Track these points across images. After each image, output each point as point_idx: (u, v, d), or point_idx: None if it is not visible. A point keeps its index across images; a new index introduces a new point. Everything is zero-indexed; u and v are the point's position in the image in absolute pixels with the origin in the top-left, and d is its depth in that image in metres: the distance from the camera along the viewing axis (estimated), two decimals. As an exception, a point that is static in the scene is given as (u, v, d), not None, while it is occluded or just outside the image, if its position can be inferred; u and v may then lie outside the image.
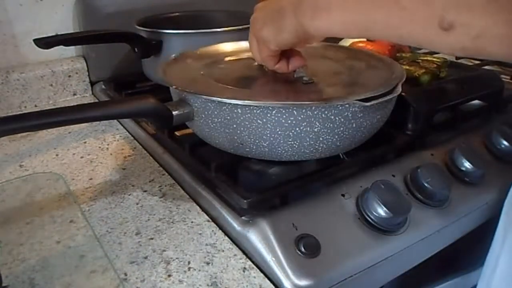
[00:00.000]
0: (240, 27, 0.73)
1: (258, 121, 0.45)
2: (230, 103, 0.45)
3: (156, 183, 0.59)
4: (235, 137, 0.48)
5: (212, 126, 0.48)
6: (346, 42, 0.79)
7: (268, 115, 0.45)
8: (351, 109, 0.45)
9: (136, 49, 0.77)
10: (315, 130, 0.45)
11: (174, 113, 0.48)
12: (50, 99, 0.88)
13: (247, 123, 0.46)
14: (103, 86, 0.89)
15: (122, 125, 0.76)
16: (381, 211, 0.47)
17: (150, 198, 0.56)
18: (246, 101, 0.44)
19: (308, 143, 0.47)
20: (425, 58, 0.73)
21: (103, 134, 0.74)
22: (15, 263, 0.45)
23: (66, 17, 0.89)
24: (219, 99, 0.45)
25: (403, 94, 0.58)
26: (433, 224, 0.53)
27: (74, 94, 0.90)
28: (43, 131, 0.75)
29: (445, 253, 0.55)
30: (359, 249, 0.47)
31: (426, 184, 0.52)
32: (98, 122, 0.77)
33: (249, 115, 0.45)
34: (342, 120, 0.46)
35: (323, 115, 0.45)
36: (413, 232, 0.50)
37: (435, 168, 0.55)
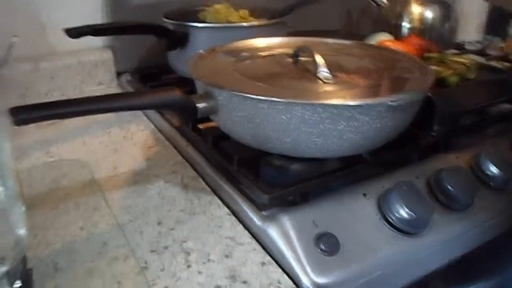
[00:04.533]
0: (267, 22, 0.73)
1: (282, 117, 0.45)
2: (255, 98, 0.45)
3: (178, 174, 0.60)
4: (259, 132, 0.48)
5: (236, 120, 0.49)
6: (373, 40, 0.78)
7: (293, 111, 0.45)
8: (376, 109, 0.45)
9: (162, 41, 0.78)
10: (339, 128, 0.45)
11: (199, 105, 0.48)
12: (76, 88, 0.89)
13: (270, 118, 0.46)
14: (128, 77, 0.90)
15: (146, 116, 0.77)
16: (403, 212, 0.47)
17: (172, 189, 0.56)
18: (270, 97, 0.44)
19: (331, 140, 0.46)
20: (454, 59, 0.72)
21: (128, 125, 0.75)
22: (40, 247, 0.46)
23: (95, 8, 0.90)
24: (243, 93, 0.45)
25: (429, 94, 0.57)
26: (455, 228, 0.52)
27: (100, 84, 0.92)
28: (69, 119, 0.76)
29: (467, 258, 0.54)
30: (379, 249, 0.46)
31: (449, 187, 0.52)
32: (123, 113, 0.78)
33: (273, 110, 0.45)
34: (367, 119, 0.45)
35: (348, 114, 0.44)
36: (435, 235, 0.49)
37: (460, 171, 0.54)
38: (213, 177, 0.56)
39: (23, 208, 0.39)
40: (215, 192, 0.55)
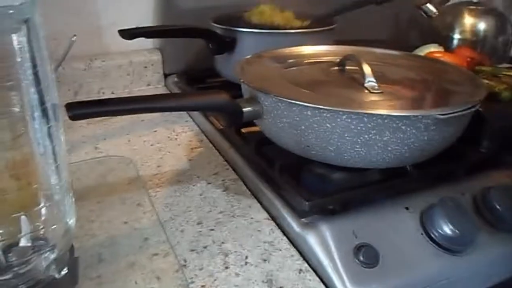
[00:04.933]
0: (314, 29, 0.73)
1: (327, 124, 0.45)
2: (300, 105, 0.45)
3: (220, 176, 0.61)
4: (302, 139, 0.48)
5: (280, 126, 0.49)
6: (422, 51, 0.77)
7: (338, 119, 0.44)
8: (423, 121, 0.44)
9: (210, 45, 0.80)
10: (384, 139, 0.45)
11: (244, 109, 0.49)
12: (126, 88, 0.93)
13: (315, 126, 0.46)
14: (175, 79, 0.93)
15: (191, 117, 0.79)
16: (447, 229, 0.46)
17: (213, 190, 0.57)
18: (316, 104, 0.44)
19: (375, 151, 0.46)
20: (508, 73, 0.69)
21: (173, 125, 0.77)
22: (85, 238, 0.48)
23: (147, 11, 0.93)
24: (289, 99, 0.46)
25: (480, 109, 0.55)
26: (501, 249, 0.50)
27: (148, 85, 0.95)
28: (117, 117, 0.79)
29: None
30: (419, 265, 0.45)
31: (497, 206, 0.50)
32: (168, 114, 0.81)
33: (318, 118, 0.45)
34: (414, 131, 0.44)
35: (394, 125, 0.44)
36: (479, 255, 0.48)
37: (509, 190, 0.52)
38: (254, 181, 0.57)
39: (73, 200, 0.41)
40: (255, 196, 0.56)
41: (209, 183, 0.59)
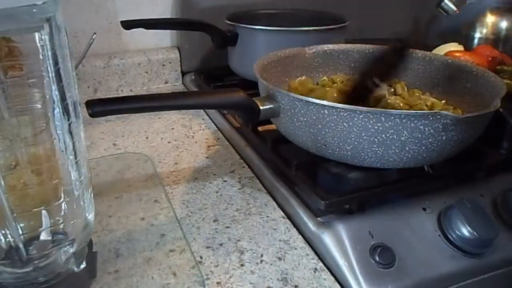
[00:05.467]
0: (325, 27, 0.73)
1: (344, 124, 0.45)
2: (317, 103, 0.45)
3: (236, 174, 0.61)
4: (319, 138, 0.48)
5: (297, 124, 0.49)
6: (442, 51, 0.76)
7: (355, 118, 0.44)
8: (442, 121, 0.43)
9: (213, 39, 0.83)
10: (402, 139, 0.44)
11: (262, 108, 0.49)
12: (144, 85, 0.94)
13: (332, 124, 0.46)
14: (193, 77, 0.93)
15: (208, 115, 0.80)
16: (465, 231, 0.45)
17: (229, 188, 0.58)
18: (333, 103, 0.44)
19: (393, 151, 0.46)
20: (530, 74, 0.68)
21: (190, 122, 0.77)
22: (103, 233, 0.49)
23: (166, 8, 0.94)
24: (306, 98, 0.46)
25: (500, 109, 0.54)
26: (521, 252, 0.49)
27: (166, 83, 0.96)
28: (135, 114, 0.80)
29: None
30: (436, 267, 0.45)
31: (518, 208, 0.49)
32: (185, 111, 0.81)
33: (335, 117, 0.45)
34: (432, 131, 0.44)
35: (412, 124, 0.43)
36: (498, 258, 0.47)
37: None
38: (270, 179, 0.57)
39: (92, 195, 0.42)
40: (271, 194, 0.56)
41: (225, 181, 0.59)
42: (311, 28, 0.74)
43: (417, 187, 0.51)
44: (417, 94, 0.65)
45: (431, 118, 0.43)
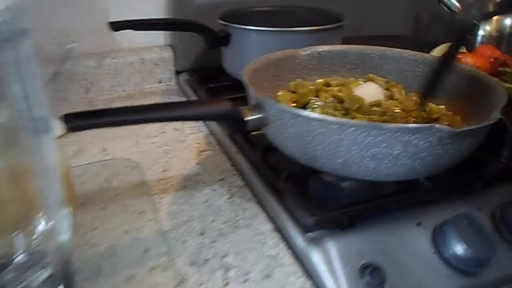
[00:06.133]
0: (321, 27, 0.70)
1: (334, 136, 0.43)
2: (306, 116, 0.43)
3: (226, 182, 0.59)
4: (308, 150, 0.46)
5: (285, 135, 0.47)
6: (441, 51, 0.73)
7: (345, 131, 0.42)
8: (437, 134, 0.41)
9: (204, 39, 0.80)
10: (395, 152, 0.42)
11: (248, 118, 0.47)
12: (137, 85, 0.92)
13: (322, 137, 0.43)
14: (187, 77, 0.91)
15: (200, 118, 0.77)
16: (461, 248, 0.43)
17: (218, 198, 0.56)
18: (323, 116, 0.42)
19: (385, 165, 0.43)
20: (534, 76, 0.65)
21: (182, 125, 0.75)
22: (86, 247, 0.47)
23: (159, 6, 0.91)
24: (294, 110, 0.44)
25: (501, 116, 0.52)
26: (520, 268, 0.47)
27: (160, 82, 0.93)
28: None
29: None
30: (429, 287, 0.43)
31: (517, 224, 0.47)
32: (178, 113, 0.79)
33: (324, 129, 0.43)
34: (427, 145, 0.42)
35: (406, 138, 0.41)
36: (496, 276, 0.45)
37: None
38: (260, 189, 0.55)
39: (69, 212, 0.40)
40: (261, 204, 0.54)
41: (214, 190, 0.57)
42: (306, 28, 0.72)
43: (411, 201, 0.49)
44: (415, 98, 0.62)
45: (426, 132, 0.41)
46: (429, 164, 0.44)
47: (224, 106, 0.45)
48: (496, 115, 0.44)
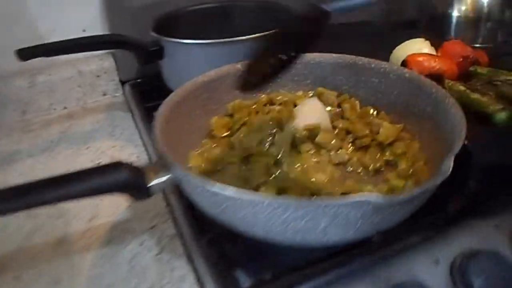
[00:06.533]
0: (256, 35, 0.60)
1: (248, 209, 0.35)
2: (210, 190, 0.35)
3: (157, 231, 0.52)
4: (224, 219, 0.38)
5: (198, 200, 0.40)
6: (404, 50, 0.63)
7: (258, 206, 0.34)
8: (370, 206, 0.33)
9: (135, 56, 0.70)
10: (322, 226, 0.35)
11: (151, 184, 0.39)
12: (79, 100, 0.83)
13: (233, 211, 0.36)
14: (131, 89, 0.82)
15: (142, 140, 0.70)
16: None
17: (146, 254, 0.49)
18: (228, 191, 0.34)
19: (313, 237, 0.36)
20: (508, 77, 0.56)
21: (121, 153, 0.68)
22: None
23: (94, 17, 0.81)
24: (196, 179, 0.36)
25: (465, 142, 0.44)
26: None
27: (104, 94, 0.85)
28: (60, 145, 0.71)
29: None
30: None
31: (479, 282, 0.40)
32: (118, 137, 0.72)
33: (236, 202, 0.35)
34: (358, 216, 0.34)
35: (332, 212, 0.34)
36: None
37: (498, 258, 0.41)
38: (190, 242, 0.48)
39: None
40: (190, 259, 0.47)
41: (142, 243, 0.51)
42: (250, 36, 0.62)
43: (356, 262, 0.41)
44: (370, 114, 0.54)
45: (355, 206, 0.33)
46: (365, 231, 0.37)
47: (119, 175, 0.38)
48: (447, 167, 0.36)
